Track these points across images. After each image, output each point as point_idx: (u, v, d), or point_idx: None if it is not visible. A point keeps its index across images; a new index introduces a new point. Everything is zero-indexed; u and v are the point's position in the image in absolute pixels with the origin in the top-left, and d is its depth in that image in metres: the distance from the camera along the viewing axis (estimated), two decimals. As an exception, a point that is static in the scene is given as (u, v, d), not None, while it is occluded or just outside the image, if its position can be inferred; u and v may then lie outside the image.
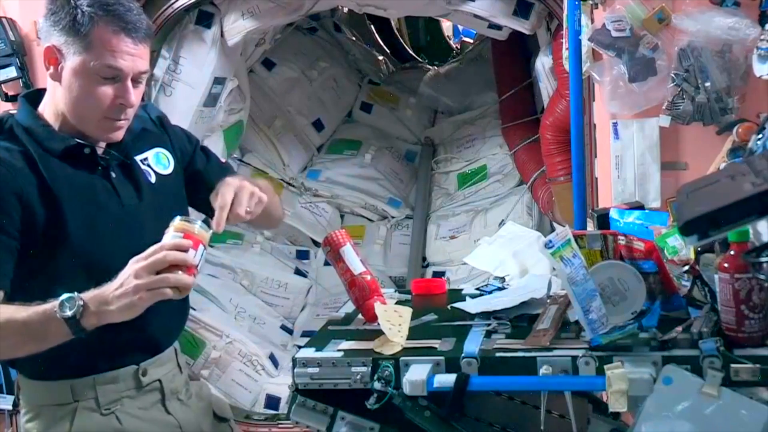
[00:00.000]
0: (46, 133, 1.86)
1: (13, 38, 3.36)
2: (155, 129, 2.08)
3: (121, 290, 1.67)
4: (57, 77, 1.85)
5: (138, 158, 2.00)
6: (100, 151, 1.93)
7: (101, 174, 1.91)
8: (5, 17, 3.38)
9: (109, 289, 1.68)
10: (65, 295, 1.68)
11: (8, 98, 3.43)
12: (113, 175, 1.93)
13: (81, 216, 1.84)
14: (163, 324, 1.98)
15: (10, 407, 3.45)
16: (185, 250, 1.70)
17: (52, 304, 1.68)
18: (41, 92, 1.95)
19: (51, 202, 1.80)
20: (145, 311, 1.72)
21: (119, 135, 1.92)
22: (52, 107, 1.89)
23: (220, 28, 3.81)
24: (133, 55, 1.84)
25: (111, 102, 1.85)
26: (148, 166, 2.01)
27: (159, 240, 1.73)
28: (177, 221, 1.76)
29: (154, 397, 1.98)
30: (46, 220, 1.80)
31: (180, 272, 1.69)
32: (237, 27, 3.78)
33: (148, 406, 1.97)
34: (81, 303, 1.67)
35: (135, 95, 1.87)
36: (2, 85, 3.40)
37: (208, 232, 1.77)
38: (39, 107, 1.92)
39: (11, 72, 3.37)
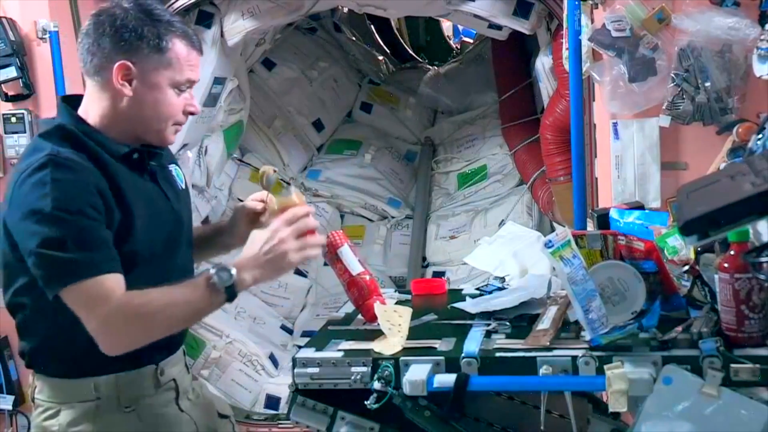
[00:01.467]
0: (103, 137, 1.93)
1: (13, 38, 3.36)
2: (168, 149, 2.19)
3: (272, 254, 1.86)
4: (126, 92, 1.91)
5: (169, 167, 2.13)
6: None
7: (149, 178, 2.00)
8: (5, 17, 3.38)
9: (257, 254, 1.86)
10: (214, 268, 1.82)
11: (8, 98, 3.43)
12: (159, 180, 2.04)
13: (144, 216, 1.91)
14: None
15: (10, 407, 3.46)
16: (312, 213, 1.94)
17: (205, 278, 1.82)
18: (74, 98, 2.02)
19: (122, 202, 1.88)
20: None
21: (176, 138, 2.06)
22: (102, 116, 1.94)
23: (220, 28, 3.81)
24: (199, 66, 2.00)
25: (183, 110, 1.98)
26: (175, 176, 2.14)
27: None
28: (279, 199, 1.97)
29: (170, 395, 2.02)
30: (120, 220, 1.87)
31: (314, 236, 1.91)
32: (237, 27, 3.78)
33: (164, 404, 2.00)
34: (233, 271, 1.82)
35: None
36: (2, 85, 3.40)
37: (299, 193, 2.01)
38: (79, 112, 1.97)
39: (11, 72, 3.38)
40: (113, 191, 1.86)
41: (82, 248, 1.77)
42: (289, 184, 2.11)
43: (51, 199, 1.77)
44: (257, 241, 1.88)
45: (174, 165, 2.15)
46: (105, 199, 1.84)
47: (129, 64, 1.90)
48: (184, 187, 2.16)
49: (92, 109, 1.95)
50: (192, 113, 2.01)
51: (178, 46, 1.93)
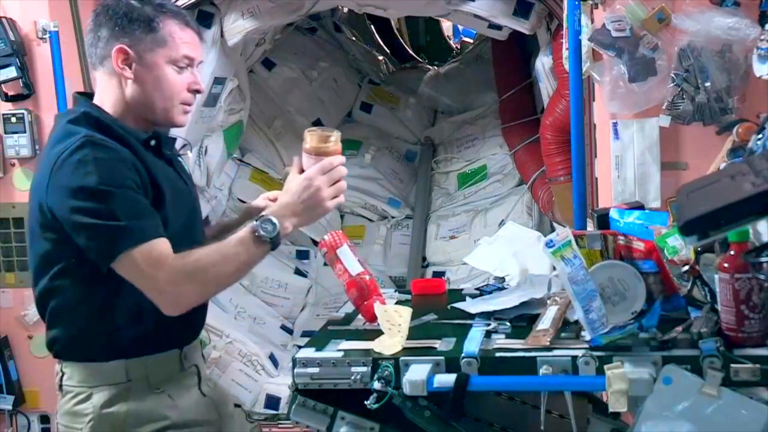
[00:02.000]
0: (124, 126, 2.02)
1: (13, 38, 3.36)
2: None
3: (310, 202, 1.96)
4: (128, 75, 2.01)
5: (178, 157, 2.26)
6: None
7: (166, 163, 2.09)
8: (5, 17, 3.37)
9: (296, 201, 1.96)
10: (258, 219, 1.91)
11: (8, 98, 3.43)
12: (175, 165, 2.14)
13: (171, 197, 2.00)
14: (203, 307, 2.13)
15: (10, 407, 3.46)
16: (344, 162, 2.01)
17: (250, 231, 1.91)
18: (87, 94, 2.12)
19: (154, 184, 1.97)
20: None
21: (187, 119, 2.13)
22: (115, 104, 2.03)
23: (220, 28, 3.81)
24: (197, 45, 2.08)
25: (188, 88, 2.05)
26: (184, 167, 2.24)
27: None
28: (316, 139, 2.01)
29: (193, 380, 2.11)
30: (152, 197, 1.96)
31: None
32: (237, 27, 3.78)
33: (189, 387, 2.09)
34: (275, 220, 1.91)
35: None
36: (2, 85, 3.40)
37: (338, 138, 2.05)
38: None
39: (11, 72, 3.37)
40: (147, 172, 1.96)
41: (131, 217, 1.87)
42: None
43: (96, 175, 1.87)
44: (294, 189, 1.97)
45: (179, 158, 2.26)
46: (141, 177, 1.94)
47: (125, 47, 1.99)
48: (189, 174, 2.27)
49: (105, 100, 2.05)
50: (197, 91, 2.08)
51: (171, 25, 2.02)
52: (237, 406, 2.30)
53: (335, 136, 2.02)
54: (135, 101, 2.02)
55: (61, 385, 2.04)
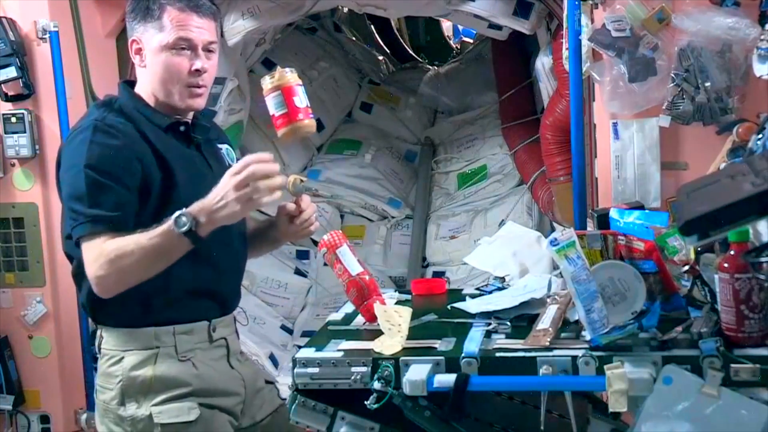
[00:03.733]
0: (150, 111, 2.15)
1: (13, 38, 3.35)
2: (219, 129, 2.45)
3: (222, 202, 1.93)
4: (142, 64, 2.17)
5: (218, 145, 2.32)
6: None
7: (195, 148, 2.21)
8: (5, 17, 3.37)
9: (211, 202, 1.94)
10: (176, 213, 1.94)
11: (8, 98, 3.43)
12: (204, 151, 2.23)
13: (186, 179, 2.11)
14: (233, 287, 2.27)
15: (10, 407, 3.46)
16: (267, 160, 1.94)
17: (167, 224, 1.94)
18: (133, 83, 2.24)
19: (164, 167, 2.08)
20: (220, 273, 2.15)
21: (201, 102, 2.20)
22: (145, 92, 2.18)
23: (220, 28, 3.80)
24: (200, 27, 2.14)
25: (188, 69, 2.13)
26: (225, 154, 2.31)
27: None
28: (268, 81, 2.02)
29: (221, 352, 2.20)
30: (161, 182, 2.07)
31: (268, 180, 1.91)
32: (237, 27, 3.78)
33: (216, 358, 2.19)
34: (192, 216, 1.93)
35: (208, 64, 2.17)
36: (2, 85, 3.40)
37: (294, 72, 2.04)
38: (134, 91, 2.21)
39: (11, 72, 3.37)
40: (155, 155, 2.08)
41: (98, 205, 1.99)
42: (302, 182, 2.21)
43: (86, 156, 2.01)
44: (214, 191, 1.96)
45: (227, 146, 2.34)
46: (143, 164, 2.05)
47: (137, 39, 2.16)
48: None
49: (140, 88, 2.20)
50: (197, 71, 2.13)
51: (170, 10, 2.13)
52: (269, 382, 2.38)
53: (290, 70, 2.04)
54: (151, 88, 2.16)
55: (100, 348, 2.18)
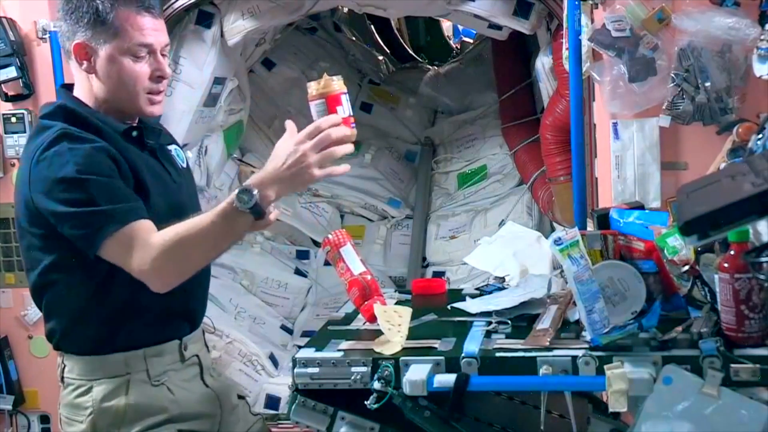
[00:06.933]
0: (101, 117, 2.01)
1: (13, 38, 3.35)
2: (166, 130, 2.28)
3: (295, 169, 1.84)
4: (91, 70, 2.01)
5: (167, 147, 2.19)
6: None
7: (149, 154, 2.08)
8: (5, 17, 3.37)
9: (280, 169, 1.84)
10: (236, 190, 1.83)
11: (8, 98, 3.43)
12: (159, 155, 2.11)
13: (154, 188, 2.00)
14: (201, 297, 2.18)
15: (10, 407, 3.46)
16: (338, 123, 1.87)
17: (228, 203, 1.84)
18: (72, 86, 2.10)
19: (134, 173, 1.97)
20: (189, 283, 1.93)
21: (160, 109, 2.09)
22: (89, 97, 2.04)
23: (220, 28, 3.80)
24: (156, 30, 2.02)
25: (150, 76, 2.02)
26: (175, 156, 2.20)
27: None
28: (314, 87, 1.91)
29: (194, 370, 2.11)
30: (133, 186, 1.96)
31: (342, 147, 1.86)
32: (237, 27, 3.78)
33: (190, 378, 2.09)
34: (255, 192, 1.82)
35: (168, 69, 2.06)
36: (2, 85, 3.40)
37: (340, 80, 1.94)
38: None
39: (11, 72, 3.37)
40: (126, 160, 1.96)
41: (110, 201, 1.88)
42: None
43: (72, 164, 1.88)
44: (280, 155, 1.86)
45: (175, 146, 2.22)
46: (119, 167, 1.94)
47: (84, 43, 2.00)
48: (185, 165, 2.23)
49: (80, 93, 2.05)
50: (161, 77, 2.04)
51: (122, 14, 1.98)
52: (241, 397, 2.29)
53: (337, 77, 1.95)
54: (102, 94, 2.02)
55: (62, 377, 2.05)
